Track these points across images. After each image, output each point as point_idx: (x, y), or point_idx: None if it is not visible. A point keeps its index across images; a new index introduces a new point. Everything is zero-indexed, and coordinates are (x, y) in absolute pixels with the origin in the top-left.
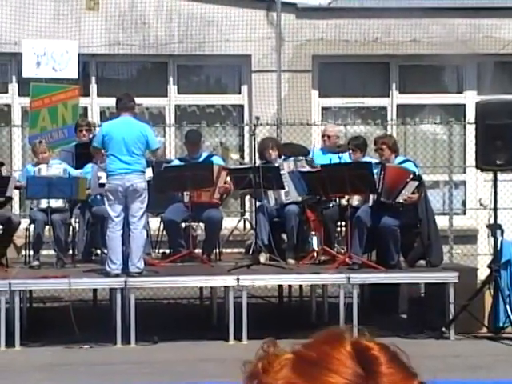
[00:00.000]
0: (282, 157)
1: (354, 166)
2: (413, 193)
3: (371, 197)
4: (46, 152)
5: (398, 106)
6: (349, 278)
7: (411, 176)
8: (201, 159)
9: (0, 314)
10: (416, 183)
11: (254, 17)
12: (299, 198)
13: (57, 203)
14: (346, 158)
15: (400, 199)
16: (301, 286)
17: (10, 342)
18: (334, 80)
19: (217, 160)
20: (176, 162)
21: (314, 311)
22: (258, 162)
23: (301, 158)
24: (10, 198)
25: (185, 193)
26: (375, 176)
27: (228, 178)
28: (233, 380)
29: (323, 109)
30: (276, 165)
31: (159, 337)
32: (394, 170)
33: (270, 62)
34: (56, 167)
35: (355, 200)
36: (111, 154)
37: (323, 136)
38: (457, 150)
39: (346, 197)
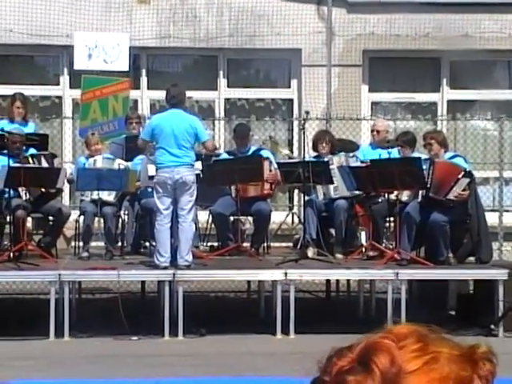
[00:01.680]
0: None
1: (403, 161)
2: (463, 190)
3: (420, 192)
4: (98, 144)
5: (448, 101)
6: (397, 273)
7: (462, 173)
8: (249, 153)
9: (50, 305)
10: (467, 180)
11: (305, 11)
12: (348, 193)
13: (108, 197)
14: (395, 153)
15: (451, 196)
16: (348, 280)
17: (59, 333)
18: (384, 75)
19: (265, 153)
20: (224, 156)
21: (361, 306)
22: (308, 155)
23: (351, 153)
24: (61, 190)
25: (232, 187)
26: (424, 171)
27: (273, 167)
28: (280, 374)
29: (373, 104)
30: (325, 159)
31: (206, 330)
32: (444, 165)
33: (320, 56)
34: (111, 160)
35: (404, 195)
36: (161, 147)
37: (372, 131)
38: (508, 147)
39: (395, 192)
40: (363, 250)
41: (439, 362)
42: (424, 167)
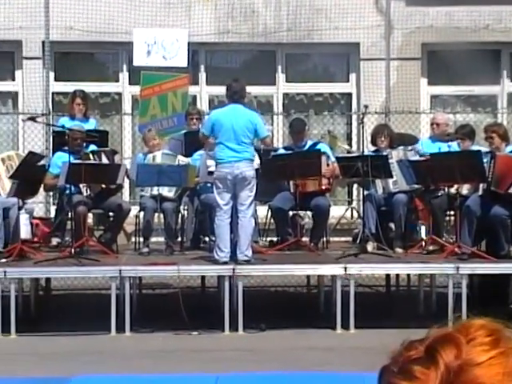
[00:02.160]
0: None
1: (463, 154)
2: None
3: (481, 186)
4: (155, 139)
5: (508, 94)
6: (458, 267)
7: None
8: (305, 147)
9: (111, 300)
10: None
11: (363, 4)
12: (407, 187)
13: (168, 193)
14: (455, 146)
15: None
16: (408, 275)
17: (120, 328)
18: (443, 68)
19: (323, 147)
20: (281, 151)
21: (421, 301)
22: (367, 150)
23: (409, 147)
24: (121, 186)
25: (291, 182)
26: (485, 165)
27: (330, 162)
28: (340, 368)
29: (432, 97)
30: (384, 153)
31: (266, 324)
32: (505, 159)
33: (378, 49)
34: (173, 156)
35: (464, 189)
36: (220, 142)
37: (432, 124)
38: None
39: (455, 186)
40: (423, 244)
41: (508, 357)
42: (485, 160)
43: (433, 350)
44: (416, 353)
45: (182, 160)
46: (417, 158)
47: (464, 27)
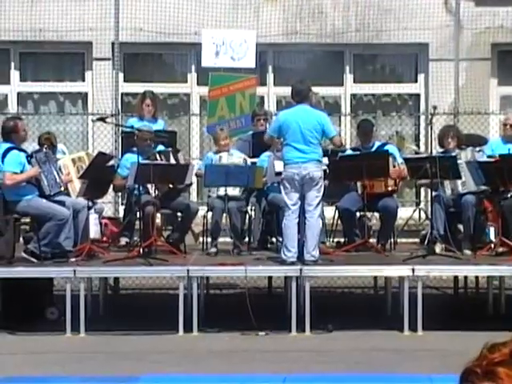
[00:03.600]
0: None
1: None
2: None
3: None
4: (227, 139)
5: None
6: None
7: None
8: (373, 149)
9: (179, 300)
10: None
11: (432, 4)
12: (476, 188)
13: (234, 191)
14: None
15: None
16: (477, 277)
17: (188, 328)
18: None
19: (390, 149)
20: (349, 152)
21: (490, 303)
22: (435, 151)
23: (478, 148)
24: (189, 185)
25: (358, 183)
26: None
27: (397, 163)
28: (408, 370)
29: (502, 97)
30: (453, 154)
31: (333, 325)
32: None
33: (447, 50)
34: (237, 156)
35: None
36: (288, 143)
37: (505, 125)
38: None
39: None
40: (492, 246)
41: None
42: None
43: None
44: (500, 355)
45: (246, 160)
46: (484, 159)
47: None
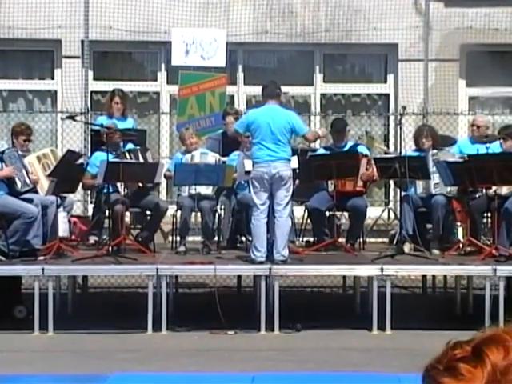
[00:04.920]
0: None
1: (501, 156)
2: None
3: None
4: (193, 137)
5: None
6: (495, 269)
7: None
8: (346, 148)
9: (147, 299)
10: None
11: (402, 5)
12: (448, 189)
13: (206, 190)
14: (494, 148)
15: None
16: (445, 277)
17: (156, 326)
18: (481, 69)
19: (361, 149)
20: (321, 151)
21: (458, 303)
22: (408, 150)
23: (446, 148)
24: (158, 184)
25: (329, 182)
26: None
27: (371, 165)
28: (377, 369)
29: (470, 98)
30: (430, 154)
31: (302, 325)
32: None
33: (417, 50)
34: (211, 155)
35: (503, 190)
36: (258, 142)
37: (473, 126)
38: None
39: (494, 187)
40: (460, 245)
41: None
42: None
43: (480, 350)
44: (462, 352)
45: (219, 159)
46: (454, 159)
47: (503, 28)
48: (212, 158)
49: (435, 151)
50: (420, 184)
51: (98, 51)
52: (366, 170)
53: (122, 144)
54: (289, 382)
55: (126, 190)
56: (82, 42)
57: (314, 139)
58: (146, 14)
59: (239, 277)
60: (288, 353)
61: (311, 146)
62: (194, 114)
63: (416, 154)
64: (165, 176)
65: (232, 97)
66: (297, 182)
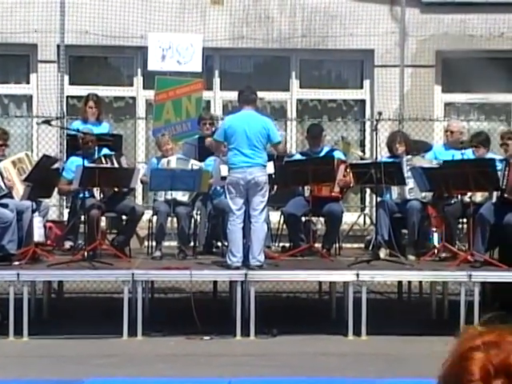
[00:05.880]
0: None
1: (476, 162)
2: None
3: (495, 194)
4: (169, 144)
5: None
6: (470, 275)
7: None
8: (322, 153)
9: (123, 304)
10: None
11: (378, 11)
12: (423, 195)
13: (183, 197)
14: (469, 154)
15: None
16: (421, 282)
17: (132, 332)
18: (457, 75)
19: (338, 154)
20: (297, 156)
21: (433, 308)
22: (382, 156)
23: (422, 154)
24: (133, 189)
25: (305, 187)
26: (499, 172)
27: (348, 171)
28: (352, 375)
29: (446, 104)
30: (403, 160)
31: (278, 330)
32: None
33: (393, 56)
34: (187, 161)
35: (478, 196)
36: (233, 148)
37: (446, 131)
38: None
39: (469, 193)
40: (436, 251)
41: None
42: (499, 167)
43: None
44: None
45: (195, 164)
46: (429, 165)
47: (478, 35)
48: (187, 163)
49: (409, 156)
50: (395, 190)
51: (73, 56)
52: (344, 176)
53: (96, 149)
54: None
55: (101, 195)
56: (58, 46)
57: (283, 151)
58: (122, 19)
59: (215, 282)
60: (264, 358)
61: (287, 151)
62: (170, 119)
63: (391, 160)
64: (141, 181)
65: (208, 102)
66: (275, 187)
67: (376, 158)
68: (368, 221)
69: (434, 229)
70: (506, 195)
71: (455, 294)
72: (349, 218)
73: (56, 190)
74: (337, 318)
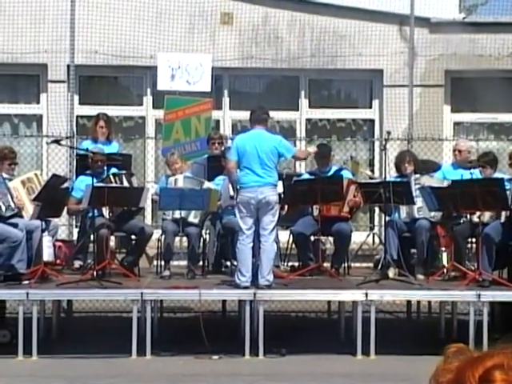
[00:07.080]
0: None
1: (485, 182)
2: None
3: (503, 213)
4: (178, 163)
5: None
6: (479, 295)
7: None
8: (330, 173)
9: (132, 323)
10: None
11: (387, 31)
12: (432, 214)
13: (194, 219)
14: (477, 173)
15: None
16: (430, 302)
17: (141, 351)
18: (466, 95)
19: (346, 174)
20: (306, 176)
21: (442, 328)
22: (390, 176)
23: (432, 173)
24: (142, 208)
25: (314, 206)
26: (508, 192)
27: (358, 192)
28: None
29: (455, 124)
30: (412, 180)
31: (287, 349)
32: None
33: (402, 76)
34: (193, 180)
35: (487, 216)
36: (244, 167)
37: (454, 151)
38: None
39: (478, 213)
40: (445, 271)
41: None
42: (508, 187)
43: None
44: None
45: (203, 183)
46: (438, 184)
47: (487, 55)
48: (196, 182)
49: (418, 175)
50: (404, 209)
51: (83, 75)
52: (354, 196)
53: (105, 168)
54: None
55: (110, 214)
56: (68, 66)
57: (304, 157)
58: (132, 39)
59: (224, 301)
60: (272, 377)
61: (296, 171)
62: (179, 138)
63: (399, 179)
64: (152, 199)
65: (218, 122)
66: (285, 207)
67: (385, 178)
68: (377, 240)
69: (443, 248)
70: None
71: (464, 313)
72: (357, 238)
73: (65, 209)
74: (345, 337)
